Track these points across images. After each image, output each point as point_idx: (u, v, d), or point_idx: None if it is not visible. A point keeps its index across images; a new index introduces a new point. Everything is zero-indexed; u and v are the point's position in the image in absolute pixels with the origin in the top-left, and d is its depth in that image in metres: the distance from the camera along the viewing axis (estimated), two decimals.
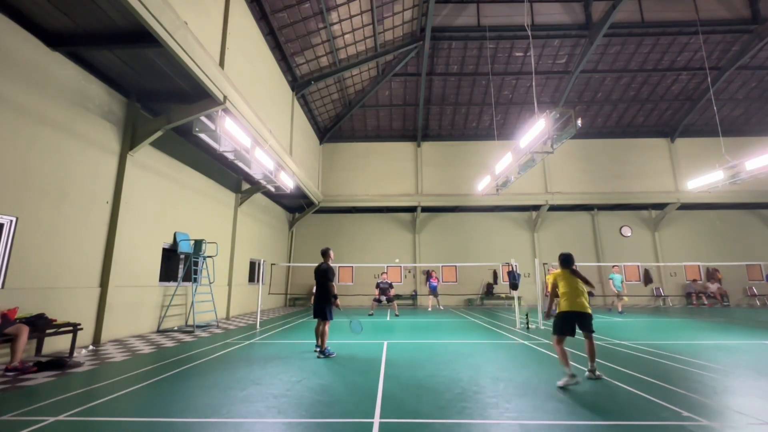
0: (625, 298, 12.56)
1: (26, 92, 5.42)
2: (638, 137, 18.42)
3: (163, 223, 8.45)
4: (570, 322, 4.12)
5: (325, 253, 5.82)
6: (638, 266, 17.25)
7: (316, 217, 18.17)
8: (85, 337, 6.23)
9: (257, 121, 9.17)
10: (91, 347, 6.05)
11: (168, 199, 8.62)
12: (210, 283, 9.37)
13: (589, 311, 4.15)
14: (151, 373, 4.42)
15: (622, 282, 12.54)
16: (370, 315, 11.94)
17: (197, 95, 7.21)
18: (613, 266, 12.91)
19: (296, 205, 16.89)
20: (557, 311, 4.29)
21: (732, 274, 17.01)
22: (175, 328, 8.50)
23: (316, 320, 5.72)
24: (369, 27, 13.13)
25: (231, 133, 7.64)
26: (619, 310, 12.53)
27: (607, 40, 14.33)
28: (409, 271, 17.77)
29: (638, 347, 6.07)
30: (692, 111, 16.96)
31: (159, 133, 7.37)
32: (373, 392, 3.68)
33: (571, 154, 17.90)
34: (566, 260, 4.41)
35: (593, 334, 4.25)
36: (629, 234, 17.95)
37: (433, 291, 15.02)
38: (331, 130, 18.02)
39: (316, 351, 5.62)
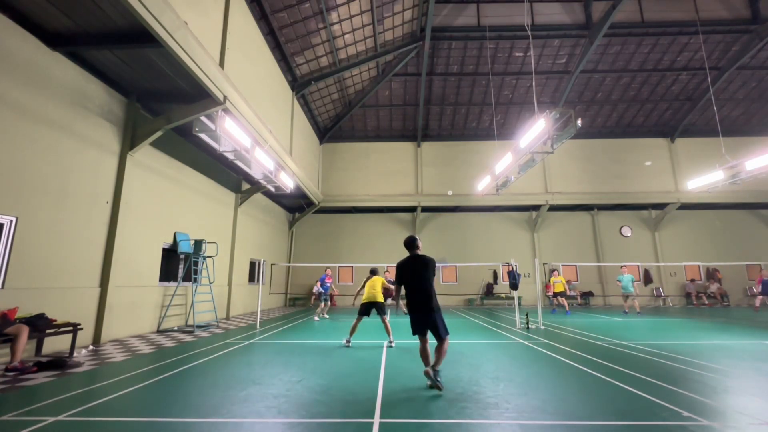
0: (635, 299, 12.78)
1: (26, 92, 5.42)
2: (638, 137, 18.41)
3: (163, 223, 8.45)
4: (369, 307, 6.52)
5: (413, 243, 4.35)
6: (638, 266, 17.24)
7: (316, 217, 18.17)
8: (85, 337, 6.23)
9: (257, 121, 9.17)
10: (91, 347, 6.05)
11: (168, 199, 8.62)
12: (210, 283, 9.37)
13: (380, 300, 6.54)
14: (151, 373, 4.42)
15: (632, 282, 12.53)
16: (405, 313, 11.23)
17: (197, 95, 7.20)
18: (622, 266, 12.77)
19: (296, 205, 16.89)
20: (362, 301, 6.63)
21: (732, 274, 17.02)
22: (175, 328, 8.50)
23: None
24: (369, 27, 13.13)
25: (231, 133, 7.63)
26: (637, 310, 12.57)
27: (607, 40, 14.33)
28: None
29: (638, 347, 6.07)
30: (692, 111, 16.95)
31: (159, 133, 7.37)
32: (373, 392, 3.68)
33: (571, 154, 17.90)
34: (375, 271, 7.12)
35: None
36: (629, 234, 17.94)
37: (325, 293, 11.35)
38: (331, 130, 18.02)
39: (390, 344, 6.39)
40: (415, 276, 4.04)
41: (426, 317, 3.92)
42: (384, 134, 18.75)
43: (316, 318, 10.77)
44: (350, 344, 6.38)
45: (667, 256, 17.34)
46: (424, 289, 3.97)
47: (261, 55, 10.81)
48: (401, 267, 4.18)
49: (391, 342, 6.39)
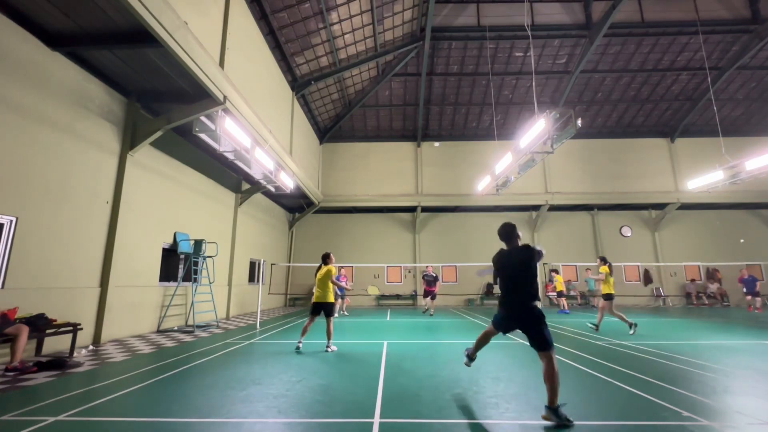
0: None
1: (26, 92, 5.42)
2: (638, 137, 18.42)
3: (163, 223, 8.45)
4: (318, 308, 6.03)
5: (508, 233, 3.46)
6: (638, 266, 17.24)
7: (316, 217, 18.17)
8: (85, 337, 6.22)
9: (257, 121, 9.17)
10: (91, 347, 6.05)
11: (168, 199, 8.62)
12: (210, 283, 9.37)
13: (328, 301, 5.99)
14: (151, 373, 4.42)
15: (596, 282, 14.88)
16: (430, 315, 11.65)
17: (197, 95, 7.20)
18: (587, 269, 15.15)
19: (296, 205, 16.89)
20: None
21: (732, 274, 17.00)
22: (175, 328, 8.49)
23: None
24: (369, 27, 13.13)
25: (231, 133, 7.63)
26: (595, 304, 15.22)
27: (607, 40, 14.33)
28: (409, 272, 17.76)
29: (638, 347, 6.07)
30: (692, 111, 16.96)
31: (159, 133, 7.37)
32: (373, 392, 3.68)
33: (571, 154, 17.90)
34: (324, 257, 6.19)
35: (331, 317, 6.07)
36: (629, 234, 17.95)
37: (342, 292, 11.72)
38: (331, 130, 18.03)
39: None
40: (506, 273, 3.29)
41: (520, 324, 3.20)
42: (384, 134, 18.75)
43: (336, 315, 11.21)
44: (302, 345, 5.82)
45: (667, 256, 17.34)
46: (518, 290, 3.19)
47: (261, 55, 10.81)
48: (494, 261, 3.47)
49: (329, 347, 5.86)
